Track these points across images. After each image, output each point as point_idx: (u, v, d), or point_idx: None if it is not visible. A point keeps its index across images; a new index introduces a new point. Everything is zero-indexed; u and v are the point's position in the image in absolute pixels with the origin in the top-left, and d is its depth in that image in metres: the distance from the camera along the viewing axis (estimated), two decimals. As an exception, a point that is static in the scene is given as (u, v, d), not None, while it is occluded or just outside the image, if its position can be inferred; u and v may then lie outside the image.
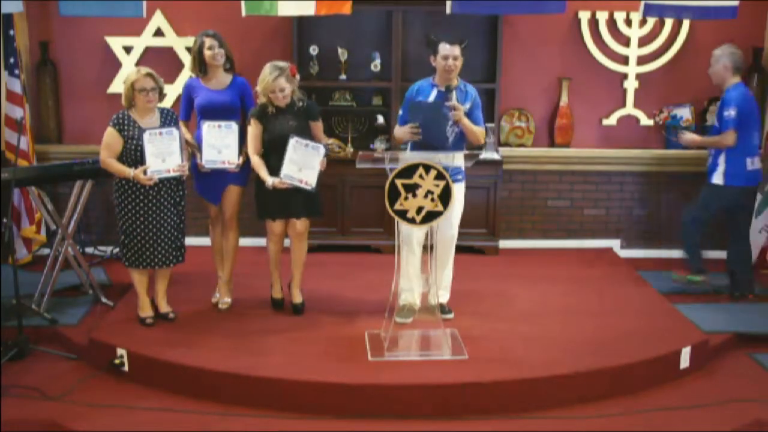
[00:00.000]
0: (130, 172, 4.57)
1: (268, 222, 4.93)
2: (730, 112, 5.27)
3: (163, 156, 4.61)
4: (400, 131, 4.72)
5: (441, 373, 4.24)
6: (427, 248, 4.69)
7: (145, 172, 4.56)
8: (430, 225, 4.50)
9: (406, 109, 4.75)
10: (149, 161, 4.57)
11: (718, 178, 5.39)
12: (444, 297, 4.93)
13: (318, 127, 4.91)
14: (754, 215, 6.12)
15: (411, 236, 4.71)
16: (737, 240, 5.60)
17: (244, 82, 5.05)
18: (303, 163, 4.71)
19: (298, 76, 4.91)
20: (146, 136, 4.56)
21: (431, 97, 4.71)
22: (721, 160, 5.36)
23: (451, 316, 4.94)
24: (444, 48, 4.65)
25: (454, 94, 4.61)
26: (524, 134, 6.48)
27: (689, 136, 5.65)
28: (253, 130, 4.79)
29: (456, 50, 4.64)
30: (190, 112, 5.06)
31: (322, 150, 4.72)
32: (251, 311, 5.08)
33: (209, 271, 5.34)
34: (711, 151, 5.48)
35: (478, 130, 4.74)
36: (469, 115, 4.70)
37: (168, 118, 4.73)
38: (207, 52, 4.88)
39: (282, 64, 4.74)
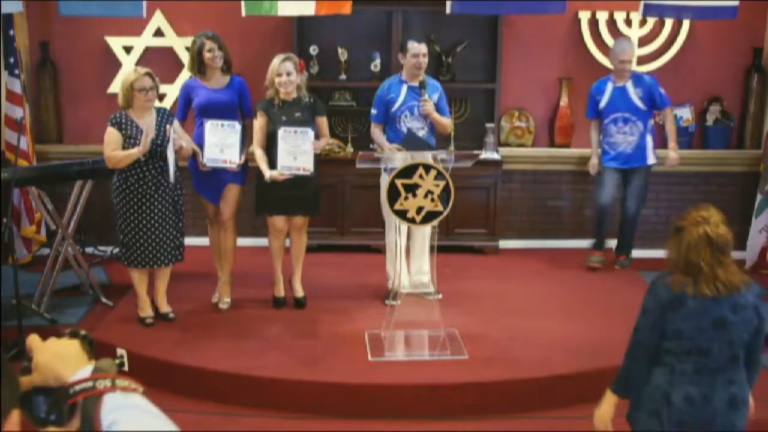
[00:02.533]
0: (136, 150, 4.54)
1: (269, 218, 4.96)
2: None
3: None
4: (385, 147, 4.97)
5: (441, 373, 4.24)
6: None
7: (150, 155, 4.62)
8: (430, 224, 4.53)
9: (380, 108, 5.06)
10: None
11: (652, 159, 5.84)
12: (425, 278, 5.12)
13: (323, 122, 4.98)
14: (754, 215, 6.13)
15: (395, 226, 4.88)
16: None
17: (242, 82, 5.06)
18: (296, 151, 4.74)
19: (305, 73, 5.03)
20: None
21: (402, 94, 5.01)
22: (649, 138, 5.82)
23: (438, 297, 5.05)
24: (413, 46, 4.95)
25: (426, 91, 4.93)
26: (524, 134, 6.48)
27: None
28: (259, 121, 4.85)
29: (423, 48, 4.97)
30: (187, 113, 5.07)
31: (310, 132, 4.75)
32: (251, 311, 5.08)
33: (209, 271, 5.34)
34: (639, 131, 5.75)
35: (446, 121, 5.09)
36: (436, 105, 5.02)
37: (165, 118, 4.73)
38: (207, 54, 4.89)
39: (289, 54, 4.90)
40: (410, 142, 4.84)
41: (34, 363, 1.48)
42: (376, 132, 5.11)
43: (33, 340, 1.53)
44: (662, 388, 2.81)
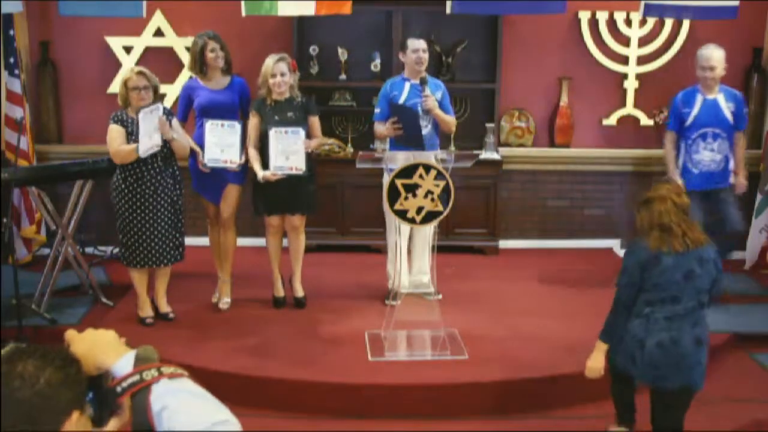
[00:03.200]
0: (133, 147, 4.54)
1: (265, 216, 4.99)
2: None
3: (149, 133, 4.56)
4: (384, 129, 5.00)
5: (441, 373, 4.24)
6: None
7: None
8: (430, 224, 4.53)
9: (384, 106, 5.03)
10: (141, 141, 4.51)
11: (732, 178, 5.41)
12: (425, 278, 5.11)
13: (316, 122, 4.99)
14: (754, 215, 6.13)
15: (395, 227, 4.90)
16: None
17: (242, 82, 5.07)
18: (288, 150, 4.77)
19: (297, 73, 5.03)
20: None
21: (405, 91, 5.01)
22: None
23: (438, 297, 5.05)
24: (413, 42, 4.98)
25: (427, 87, 4.93)
26: (524, 134, 6.48)
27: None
28: (252, 121, 4.87)
29: (423, 43, 4.99)
30: (187, 113, 5.07)
31: (301, 132, 4.77)
32: (251, 311, 5.08)
33: (209, 271, 5.34)
34: (726, 149, 5.31)
35: (449, 119, 5.07)
36: (440, 104, 4.98)
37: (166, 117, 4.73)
38: (209, 54, 4.89)
39: (283, 54, 4.91)
40: (401, 113, 4.87)
41: (74, 353, 1.50)
42: (377, 127, 5.10)
43: (69, 333, 1.56)
44: (639, 336, 3.41)
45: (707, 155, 5.29)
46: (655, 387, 3.47)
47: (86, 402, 1.45)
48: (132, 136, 4.60)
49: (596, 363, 3.58)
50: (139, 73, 4.61)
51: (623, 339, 3.46)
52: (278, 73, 4.77)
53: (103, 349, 1.51)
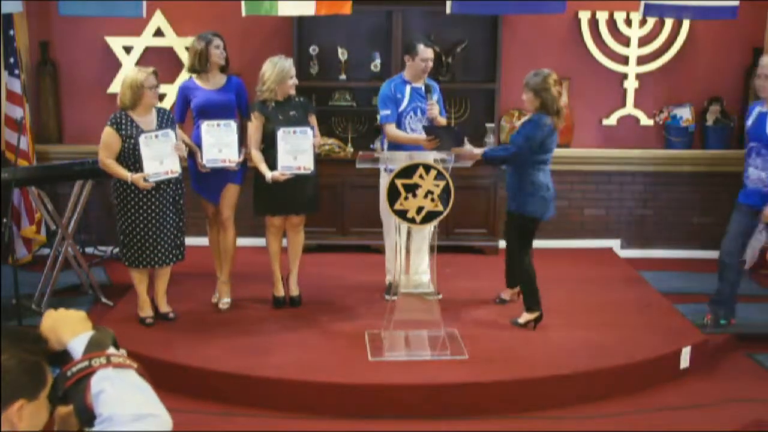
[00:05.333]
0: (128, 176, 4.56)
1: (267, 216, 4.99)
2: None
3: (160, 158, 4.60)
4: (419, 137, 4.91)
5: (441, 373, 4.24)
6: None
7: (145, 179, 4.55)
8: (430, 224, 4.53)
9: (393, 107, 5.01)
10: (146, 165, 4.56)
11: None
12: (425, 277, 5.08)
13: (314, 120, 5.03)
14: (754, 215, 6.12)
15: (392, 225, 4.95)
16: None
17: (239, 82, 5.07)
18: (296, 150, 4.77)
19: None
20: (142, 139, 4.55)
21: (407, 94, 5.05)
22: None
23: (438, 297, 4.98)
24: (424, 51, 4.98)
25: (431, 94, 4.99)
26: (524, 134, 6.47)
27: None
28: (256, 122, 4.86)
29: (431, 52, 5.04)
30: (185, 114, 5.06)
31: (310, 132, 4.79)
32: (251, 311, 5.08)
33: (209, 271, 5.33)
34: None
35: (444, 122, 5.15)
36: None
37: (165, 118, 4.73)
38: (215, 51, 4.90)
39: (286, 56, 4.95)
40: (434, 132, 4.86)
41: (41, 328, 1.59)
42: (395, 131, 5.03)
43: (47, 311, 1.65)
44: (545, 183, 4.70)
45: (753, 172, 4.75)
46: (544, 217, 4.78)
47: (44, 387, 1.50)
48: (130, 139, 4.58)
49: (474, 155, 4.75)
50: (154, 72, 4.62)
51: (535, 192, 4.68)
52: (294, 75, 4.88)
53: (65, 326, 1.58)
